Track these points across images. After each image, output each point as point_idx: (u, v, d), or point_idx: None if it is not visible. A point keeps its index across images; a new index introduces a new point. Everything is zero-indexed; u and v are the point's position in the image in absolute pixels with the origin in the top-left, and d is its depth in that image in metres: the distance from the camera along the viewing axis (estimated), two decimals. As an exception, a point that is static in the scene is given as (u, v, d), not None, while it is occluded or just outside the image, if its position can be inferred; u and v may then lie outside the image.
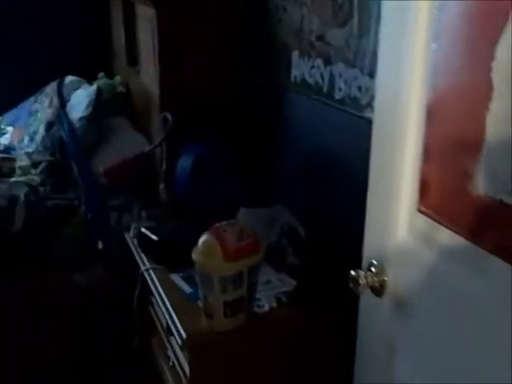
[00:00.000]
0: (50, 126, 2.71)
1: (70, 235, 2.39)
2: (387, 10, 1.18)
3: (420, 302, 1.12)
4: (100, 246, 2.34)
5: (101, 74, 2.77)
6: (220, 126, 2.20)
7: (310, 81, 1.88)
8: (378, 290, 1.21)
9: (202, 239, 1.50)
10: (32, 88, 3.06)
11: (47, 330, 2.30)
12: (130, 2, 2.52)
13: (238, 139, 2.20)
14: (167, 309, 1.65)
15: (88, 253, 2.38)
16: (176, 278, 1.76)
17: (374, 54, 1.43)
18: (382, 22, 1.19)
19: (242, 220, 1.78)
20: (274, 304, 1.60)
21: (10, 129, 3.16)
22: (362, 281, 1.20)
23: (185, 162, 2.13)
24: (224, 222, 1.54)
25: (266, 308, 1.59)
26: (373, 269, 1.21)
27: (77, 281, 2.38)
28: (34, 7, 3.16)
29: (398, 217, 1.16)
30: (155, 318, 1.92)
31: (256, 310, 1.58)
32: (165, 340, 1.82)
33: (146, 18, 2.30)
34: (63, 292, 2.35)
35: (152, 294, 1.80)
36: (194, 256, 1.50)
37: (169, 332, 1.71)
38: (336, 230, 1.80)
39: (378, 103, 1.24)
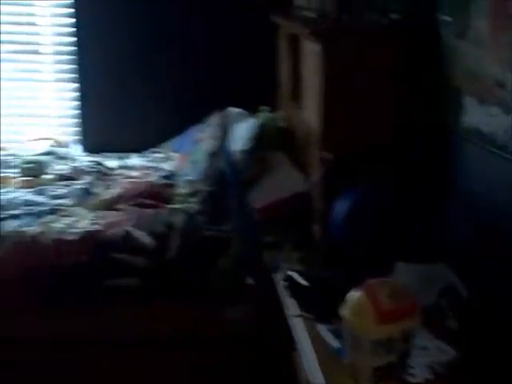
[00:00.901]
0: (211, 156, 2.76)
1: (223, 267, 2.39)
2: None
3: None
4: (250, 281, 2.32)
5: (263, 108, 2.77)
6: (382, 169, 2.09)
7: (484, 129, 1.72)
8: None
9: (353, 296, 1.41)
10: (197, 117, 3.15)
11: (182, 359, 2.33)
12: (297, 36, 2.51)
13: (400, 185, 2.07)
14: (311, 361, 1.57)
15: (240, 287, 2.38)
16: (323, 330, 1.67)
17: None
18: None
19: (398, 276, 1.65)
20: (430, 375, 1.45)
21: (174, 155, 3.28)
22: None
23: (342, 205, 2.04)
24: (378, 279, 1.43)
25: (420, 379, 1.44)
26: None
27: (226, 314, 2.38)
28: (200, 36, 3.29)
29: None
30: (298, 365, 1.84)
31: (408, 379, 1.44)
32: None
33: (311, 54, 2.26)
34: (209, 324, 2.36)
35: (296, 341, 1.73)
36: (343, 313, 1.41)
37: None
38: (505, 295, 1.61)
39: None
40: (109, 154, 3.36)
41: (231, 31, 3.23)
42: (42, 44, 3.42)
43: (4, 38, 3.36)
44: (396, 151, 2.10)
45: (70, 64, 3.39)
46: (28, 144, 3.35)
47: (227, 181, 2.57)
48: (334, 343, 1.60)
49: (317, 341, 1.64)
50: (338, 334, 1.59)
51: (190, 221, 2.48)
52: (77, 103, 3.43)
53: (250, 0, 3.19)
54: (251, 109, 2.83)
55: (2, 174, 2.91)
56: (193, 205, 2.60)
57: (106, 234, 2.39)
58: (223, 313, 2.38)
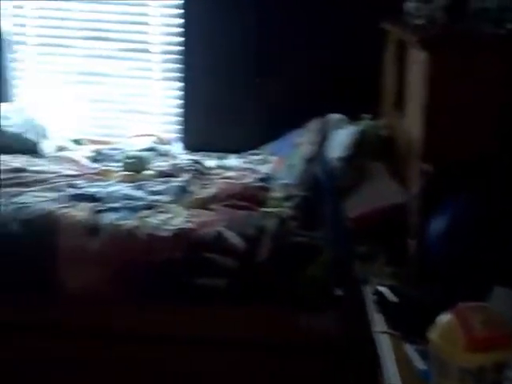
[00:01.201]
0: (308, 161, 2.73)
1: (311, 275, 2.35)
2: None
3: None
4: (338, 292, 2.27)
5: (365, 115, 2.70)
6: (484, 182, 1.97)
7: None
8: None
9: (443, 319, 1.32)
10: (298, 121, 3.13)
11: (262, 363, 2.33)
12: (404, 43, 2.43)
13: (504, 199, 1.95)
14: (394, 380, 1.50)
15: (327, 296, 2.33)
16: (410, 350, 1.59)
17: None
18: None
19: (495, 302, 1.54)
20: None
21: (272, 158, 3.27)
22: None
23: (440, 219, 1.94)
24: (472, 303, 1.34)
25: (511, 414, 1.34)
26: None
27: (311, 322, 2.34)
28: (304, 40, 3.28)
29: None
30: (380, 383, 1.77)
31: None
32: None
33: (417, 61, 2.17)
34: (293, 330, 2.33)
35: (381, 358, 1.66)
36: (431, 336, 1.33)
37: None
38: None
39: None
40: (208, 153, 3.41)
41: (337, 36, 3.18)
42: (151, 43, 3.52)
43: (117, 36, 3.49)
44: (501, 163, 1.97)
45: (177, 63, 3.46)
46: (132, 139, 3.46)
47: (322, 187, 2.53)
48: (420, 365, 1.51)
49: (402, 360, 1.56)
50: (425, 356, 1.50)
51: (282, 225, 2.46)
52: (181, 102, 3.50)
53: (360, 6, 3.13)
54: (353, 116, 2.77)
55: (105, 168, 3.02)
56: (286, 209, 2.58)
57: (199, 232, 2.41)
58: (308, 320, 2.34)
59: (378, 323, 1.76)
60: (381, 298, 1.83)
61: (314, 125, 3.01)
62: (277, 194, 2.73)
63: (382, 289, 1.83)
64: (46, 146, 3.20)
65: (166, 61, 3.52)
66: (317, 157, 2.69)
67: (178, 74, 3.47)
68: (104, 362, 2.40)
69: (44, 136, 3.25)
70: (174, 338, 2.38)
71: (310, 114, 3.04)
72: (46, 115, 3.40)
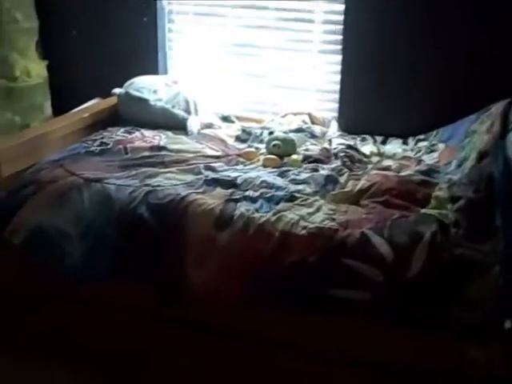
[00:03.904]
0: (481, 155, 2.25)
1: (472, 297, 1.92)
2: None
3: None
4: (508, 325, 1.82)
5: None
6: None
7: None
8: None
9: None
10: (475, 104, 2.65)
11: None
12: None
13: None
14: None
15: (491, 325, 1.89)
16: None
17: None
18: None
19: None
20: None
21: (441, 146, 2.81)
22: None
23: None
24: None
25: None
26: None
27: (468, 352, 1.93)
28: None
29: None
30: None
31: None
32: None
33: None
34: (445, 357, 1.94)
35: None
36: None
37: None
38: None
39: None
40: (366, 137, 3.02)
41: None
42: (312, 11, 3.17)
43: (275, 4, 3.20)
44: None
45: (340, 34, 3.10)
46: (285, 118, 3.18)
47: (498, 189, 2.06)
48: None
49: None
50: None
51: (442, 233, 2.03)
52: (340, 78, 3.14)
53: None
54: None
55: (248, 149, 2.76)
56: (449, 212, 2.14)
57: (341, 234, 2.06)
58: (464, 349, 1.93)
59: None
60: None
61: (495, 109, 2.51)
62: (440, 192, 2.29)
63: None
64: (194, 123, 3.00)
65: (328, 32, 3.16)
66: (494, 150, 2.20)
67: (340, 47, 3.10)
68: (224, 362, 2.19)
69: (193, 111, 3.06)
70: (301, 348, 2.09)
71: (490, 97, 2.55)
72: (197, 89, 3.22)
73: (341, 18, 3.06)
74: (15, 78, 3.24)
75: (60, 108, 3.32)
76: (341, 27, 3.07)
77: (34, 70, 3.35)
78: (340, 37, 3.09)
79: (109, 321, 2.32)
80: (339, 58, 3.11)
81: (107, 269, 2.23)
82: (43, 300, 2.36)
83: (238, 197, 2.28)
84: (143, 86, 3.09)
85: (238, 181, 2.41)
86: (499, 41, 2.78)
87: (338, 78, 3.14)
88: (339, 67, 3.12)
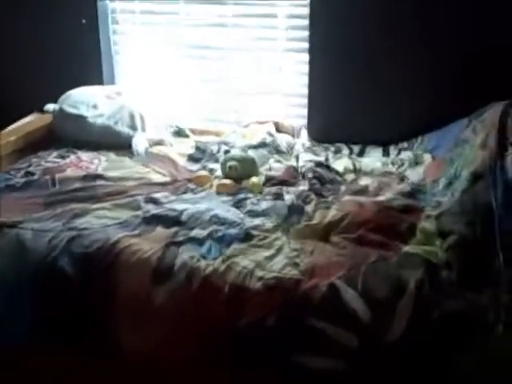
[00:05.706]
0: (476, 177, 1.84)
1: (468, 366, 1.52)
2: None
3: None
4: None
5: None
6: None
7: None
8: None
9: None
10: (466, 107, 2.26)
11: None
12: None
13: None
14: None
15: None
16: None
17: None
18: None
19: None
20: None
21: (426, 157, 2.41)
22: None
23: None
24: None
25: None
26: None
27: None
28: None
29: None
30: None
31: None
32: None
33: None
34: None
35: None
36: None
37: None
38: None
39: None
40: (341, 146, 2.62)
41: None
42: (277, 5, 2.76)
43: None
44: None
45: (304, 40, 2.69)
46: (247, 128, 2.77)
47: (495, 225, 1.65)
48: None
49: None
50: None
51: (430, 281, 1.62)
52: (308, 80, 2.72)
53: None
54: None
55: (199, 173, 2.34)
56: (438, 249, 1.74)
57: (305, 286, 1.65)
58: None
59: None
60: None
61: (488, 116, 2.11)
62: (427, 224, 1.88)
63: None
64: (140, 141, 2.58)
65: (294, 27, 2.75)
66: (491, 172, 1.79)
67: (307, 45, 2.68)
68: None
69: (139, 127, 2.64)
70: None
71: (485, 98, 2.18)
72: (145, 100, 2.79)
73: (306, 10, 2.64)
74: None
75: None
76: (307, 21, 2.64)
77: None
78: (307, 32, 2.66)
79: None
80: (307, 56, 2.69)
81: (23, 331, 1.85)
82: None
83: (181, 238, 1.87)
84: (80, 99, 2.66)
85: (184, 216, 1.99)
86: (486, 39, 2.38)
87: (307, 80, 2.72)
88: (307, 67, 2.70)
